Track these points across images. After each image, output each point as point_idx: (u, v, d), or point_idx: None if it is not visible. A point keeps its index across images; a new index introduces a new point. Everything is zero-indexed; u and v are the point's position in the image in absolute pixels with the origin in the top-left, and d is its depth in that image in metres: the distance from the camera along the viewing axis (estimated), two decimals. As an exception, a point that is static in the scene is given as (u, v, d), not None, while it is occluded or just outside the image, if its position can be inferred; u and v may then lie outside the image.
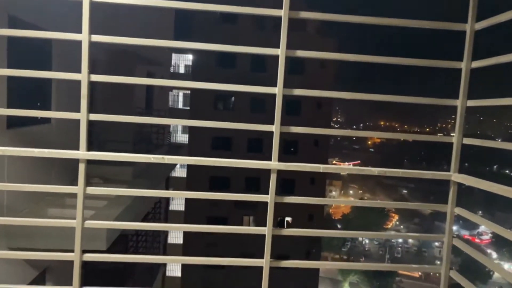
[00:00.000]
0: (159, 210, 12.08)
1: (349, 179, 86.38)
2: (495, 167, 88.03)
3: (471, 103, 2.30)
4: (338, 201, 2.64)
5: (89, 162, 1.74)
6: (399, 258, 56.17)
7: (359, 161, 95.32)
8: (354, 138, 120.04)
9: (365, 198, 75.65)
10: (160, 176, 10.16)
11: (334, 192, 79.22)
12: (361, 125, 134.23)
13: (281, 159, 1.90)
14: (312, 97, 25.72)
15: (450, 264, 2.26)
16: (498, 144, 2.11)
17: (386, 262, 50.78)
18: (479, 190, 2.24)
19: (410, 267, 2.34)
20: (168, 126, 11.46)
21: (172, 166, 14.61)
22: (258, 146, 24.80)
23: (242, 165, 1.96)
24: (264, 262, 1.99)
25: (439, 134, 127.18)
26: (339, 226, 58.68)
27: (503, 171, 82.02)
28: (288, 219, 27.08)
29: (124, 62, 9.57)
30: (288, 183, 25.61)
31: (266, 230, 1.98)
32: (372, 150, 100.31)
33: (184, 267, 25.52)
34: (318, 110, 26.25)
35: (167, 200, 21.25)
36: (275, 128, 2.04)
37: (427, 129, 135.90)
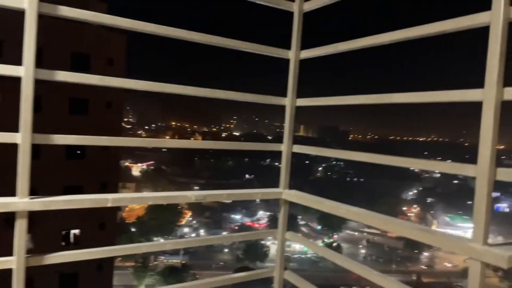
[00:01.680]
0: None
1: (143, 180, 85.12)
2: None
3: (301, 102, 2.14)
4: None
5: None
6: (193, 252, 58.68)
7: (153, 161, 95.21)
8: (145, 138, 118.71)
9: (159, 197, 75.95)
10: None
11: (164, 192, 76.10)
12: (153, 125, 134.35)
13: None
14: (101, 96, 23.99)
15: (283, 265, 2.19)
16: (329, 151, 2.04)
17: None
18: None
19: (240, 276, 2.16)
20: None
21: None
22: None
23: None
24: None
25: (223, 133, 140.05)
26: (133, 230, 57.05)
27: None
28: (76, 231, 24.41)
29: None
30: (76, 190, 23.09)
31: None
32: (165, 150, 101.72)
33: None
34: (108, 110, 24.67)
35: None
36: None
37: (214, 129, 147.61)
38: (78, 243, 24.05)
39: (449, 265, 61.86)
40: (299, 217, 69.05)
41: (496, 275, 52.76)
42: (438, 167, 1.46)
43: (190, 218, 71.64)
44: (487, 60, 1.20)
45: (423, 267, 61.92)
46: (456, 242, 1.32)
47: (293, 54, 2.07)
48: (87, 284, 23.27)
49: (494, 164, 1.22)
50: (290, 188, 2.22)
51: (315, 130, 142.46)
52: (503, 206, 79.88)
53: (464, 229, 74.19)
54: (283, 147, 2.19)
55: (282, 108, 2.17)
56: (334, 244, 61.63)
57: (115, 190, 26.60)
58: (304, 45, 2.03)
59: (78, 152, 24.32)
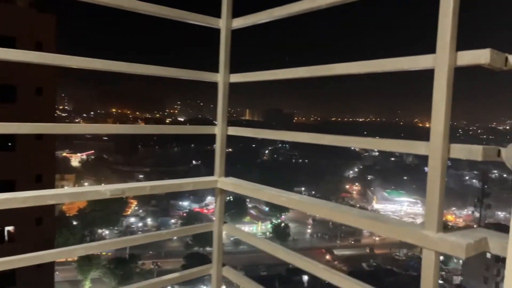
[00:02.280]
0: None
1: (84, 171, 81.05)
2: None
3: (235, 78, 1.95)
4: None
5: None
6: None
7: (93, 151, 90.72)
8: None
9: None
10: None
11: (67, 187, 72.43)
12: (92, 112, 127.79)
13: None
14: (31, 81, 22.08)
15: (221, 262, 2.04)
16: (266, 132, 1.91)
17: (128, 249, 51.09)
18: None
19: (174, 277, 1.98)
20: None
21: None
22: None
23: None
24: None
25: (167, 119, 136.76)
26: (75, 223, 54.35)
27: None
28: (10, 228, 22.63)
29: None
30: (5, 185, 21.25)
31: None
32: (106, 138, 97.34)
33: None
34: (39, 96, 22.82)
35: None
36: None
37: (157, 115, 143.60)
38: (13, 241, 22.40)
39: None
40: (247, 200, 69.80)
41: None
42: (389, 146, 1.33)
43: (136, 208, 69.66)
44: (439, 22, 1.07)
45: (376, 239, 65.11)
46: (408, 230, 1.20)
47: (224, 23, 1.88)
48: (25, 283, 21.82)
49: (447, 140, 1.12)
50: (228, 175, 2.04)
51: (260, 113, 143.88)
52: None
53: (400, 202, 79.47)
54: (217, 130, 2.02)
55: (215, 86, 2.02)
56: (282, 225, 63.15)
57: (51, 183, 24.94)
58: (237, 13, 1.85)
59: (9, 144, 22.41)
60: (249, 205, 69.86)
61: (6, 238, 22.61)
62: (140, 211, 69.29)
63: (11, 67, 20.23)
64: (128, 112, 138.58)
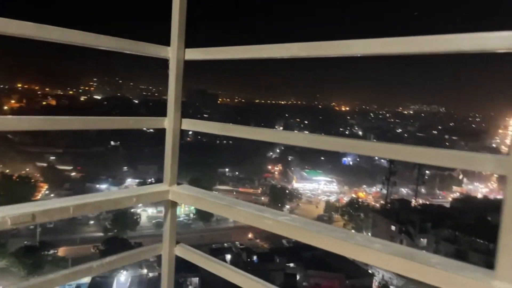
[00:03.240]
0: None
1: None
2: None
3: (192, 54, 1.59)
4: None
5: None
6: (52, 229, 53.38)
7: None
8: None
9: (5, 169, 66.19)
10: None
11: None
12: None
13: None
14: None
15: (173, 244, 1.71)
16: (233, 129, 1.58)
17: (39, 236, 47.55)
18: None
19: (123, 257, 1.60)
20: None
21: None
22: None
23: None
24: None
25: (82, 97, 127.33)
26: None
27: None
28: None
29: None
30: None
31: None
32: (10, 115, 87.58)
33: None
34: None
35: None
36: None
37: (71, 92, 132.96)
38: None
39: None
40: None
41: (343, 218, 61.83)
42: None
43: (47, 192, 64.54)
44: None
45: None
46: (469, 281, 0.91)
47: None
48: None
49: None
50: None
51: (183, 93, 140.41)
52: (348, 160, 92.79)
53: (317, 181, 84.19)
54: (167, 123, 1.64)
55: (163, 63, 1.61)
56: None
57: None
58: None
59: None
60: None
61: None
62: (52, 195, 64.33)
63: None
64: (36, 88, 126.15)
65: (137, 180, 69.34)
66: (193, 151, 70.82)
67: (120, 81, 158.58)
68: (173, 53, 1.56)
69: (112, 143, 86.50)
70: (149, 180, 59.79)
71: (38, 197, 61.10)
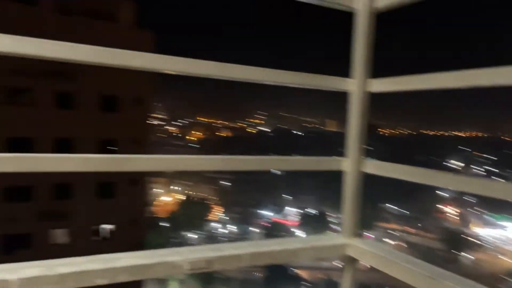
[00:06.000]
0: None
1: (173, 175, 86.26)
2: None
3: (377, 86, 1.37)
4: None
5: None
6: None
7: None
8: (177, 134, 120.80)
9: (190, 191, 76.99)
10: None
11: (159, 190, 78.00)
12: (183, 121, 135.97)
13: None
14: (130, 93, 24.09)
15: None
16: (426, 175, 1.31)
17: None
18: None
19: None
20: None
21: None
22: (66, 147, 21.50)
23: None
24: None
25: (253, 129, 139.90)
26: (165, 225, 57.94)
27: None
28: (110, 227, 24.74)
29: None
30: (106, 187, 23.36)
31: None
32: (194, 145, 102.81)
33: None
34: (138, 106, 24.78)
35: None
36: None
37: (243, 125, 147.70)
38: (113, 239, 24.40)
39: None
40: (332, 214, 67.61)
41: None
42: None
43: (221, 214, 72.03)
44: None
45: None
46: None
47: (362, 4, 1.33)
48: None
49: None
50: (358, 232, 1.44)
51: (338, 123, 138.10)
52: None
53: (504, 227, 70.75)
54: (348, 165, 1.43)
55: (341, 96, 1.44)
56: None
57: (145, 185, 26.78)
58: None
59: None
60: (331, 219, 67.71)
61: (103, 235, 24.72)
62: (225, 217, 71.51)
63: (114, 79, 22.25)
64: (216, 121, 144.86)
65: (294, 210, 71.05)
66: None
67: (286, 114, 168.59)
68: (355, 85, 1.37)
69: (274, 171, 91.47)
70: (306, 209, 60.62)
71: (213, 217, 68.78)
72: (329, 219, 67.07)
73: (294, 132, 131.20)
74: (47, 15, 21.46)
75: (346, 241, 1.41)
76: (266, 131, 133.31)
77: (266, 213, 73.10)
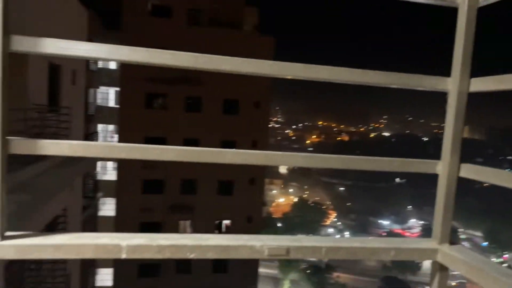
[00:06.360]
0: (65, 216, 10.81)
1: (289, 178, 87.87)
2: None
3: (477, 85, 1.29)
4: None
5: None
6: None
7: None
8: (293, 137, 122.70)
9: (306, 195, 77.33)
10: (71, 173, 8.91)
11: (275, 191, 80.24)
12: (300, 124, 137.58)
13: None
14: (249, 97, 25.32)
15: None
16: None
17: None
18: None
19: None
20: (70, 121, 9.48)
21: (90, 164, 13.30)
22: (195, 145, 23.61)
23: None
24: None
25: (372, 133, 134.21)
26: (279, 225, 59.29)
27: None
28: (227, 222, 26.45)
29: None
30: (226, 184, 25.00)
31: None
32: (311, 149, 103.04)
33: (117, 276, 23.90)
34: (256, 109, 25.90)
35: (95, 206, 19.66)
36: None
37: (361, 129, 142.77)
38: (229, 233, 26.05)
39: None
40: (460, 229, 60.92)
41: None
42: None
43: (335, 219, 70.70)
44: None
45: None
46: None
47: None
48: (235, 272, 24.92)
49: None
50: (453, 238, 1.35)
51: (483, 131, 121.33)
52: None
53: None
54: (441, 168, 1.36)
55: (441, 97, 1.37)
56: (504, 265, 52.19)
57: (262, 185, 27.85)
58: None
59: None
60: (461, 236, 60.75)
61: (223, 230, 26.45)
62: (339, 223, 69.98)
63: (235, 84, 23.65)
64: (333, 125, 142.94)
65: (421, 222, 65.72)
66: (489, 195, 60.55)
67: (410, 118, 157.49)
68: (454, 84, 1.31)
69: (397, 180, 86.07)
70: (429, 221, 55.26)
71: (327, 222, 67.90)
72: (459, 235, 60.30)
73: (420, 136, 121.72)
74: (182, 25, 23.95)
75: (436, 246, 1.34)
76: (386, 136, 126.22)
77: (385, 222, 69.16)
